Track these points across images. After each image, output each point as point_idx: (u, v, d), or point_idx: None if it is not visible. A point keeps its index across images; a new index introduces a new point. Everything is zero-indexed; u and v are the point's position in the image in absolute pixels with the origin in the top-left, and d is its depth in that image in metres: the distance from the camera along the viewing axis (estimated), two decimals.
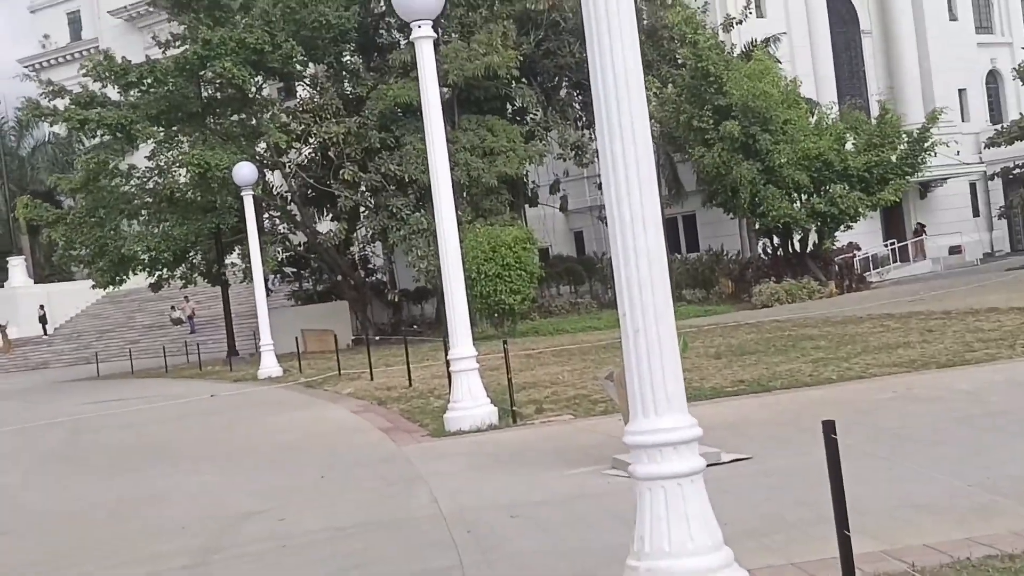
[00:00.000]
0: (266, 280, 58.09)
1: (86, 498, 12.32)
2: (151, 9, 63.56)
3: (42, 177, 65.01)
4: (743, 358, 18.85)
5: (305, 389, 24.56)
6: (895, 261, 49.41)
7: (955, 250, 52.32)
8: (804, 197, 36.82)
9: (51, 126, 53.80)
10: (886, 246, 49.93)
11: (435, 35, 14.39)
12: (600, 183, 37.89)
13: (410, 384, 21.22)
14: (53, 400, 30.91)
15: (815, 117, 37.78)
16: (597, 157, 36.99)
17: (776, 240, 38.97)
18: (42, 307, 66.66)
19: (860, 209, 35.51)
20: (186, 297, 58.74)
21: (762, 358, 18.53)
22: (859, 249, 43.38)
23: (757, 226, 38.65)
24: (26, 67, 77.60)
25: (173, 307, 60.70)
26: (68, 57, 79.61)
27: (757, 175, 35.52)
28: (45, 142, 74.18)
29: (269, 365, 29.88)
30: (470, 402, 14.08)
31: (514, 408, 14.51)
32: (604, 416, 13.76)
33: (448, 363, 14.45)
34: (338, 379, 25.44)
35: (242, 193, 30.68)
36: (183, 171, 35.95)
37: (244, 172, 30.12)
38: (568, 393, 17.05)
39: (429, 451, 12.78)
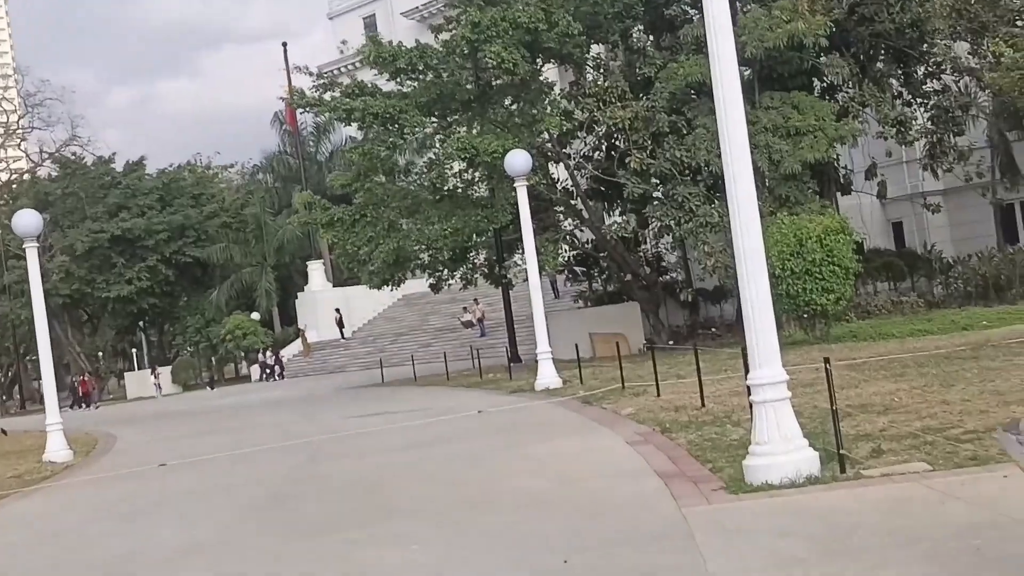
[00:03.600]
0: (553, 281, 56.03)
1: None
2: (443, 8, 62.43)
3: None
4: None
5: (581, 406, 21.12)
6: None
7: None
8: None
9: (316, 116, 52.68)
10: None
11: None
12: (925, 164, 32.98)
13: (703, 404, 17.39)
14: (324, 411, 28.99)
15: None
16: (923, 134, 32.02)
17: None
18: (338, 310, 66.84)
19: None
20: (475, 300, 57.02)
21: None
22: None
23: None
24: (324, 73, 78.55)
25: (465, 308, 59.23)
26: (361, 63, 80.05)
27: None
28: (342, 147, 74.71)
29: (547, 375, 26.72)
30: (780, 444, 10.15)
31: (841, 452, 10.46)
32: (976, 469, 9.55)
33: (748, 388, 10.55)
34: (620, 394, 21.89)
35: (516, 184, 27.66)
36: (454, 164, 33.34)
37: (517, 161, 27.10)
38: (911, 424, 12.77)
39: (724, 520, 8.96)
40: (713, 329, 39.47)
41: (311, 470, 16.26)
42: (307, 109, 37.66)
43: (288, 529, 11.37)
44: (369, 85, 34.68)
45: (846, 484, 9.74)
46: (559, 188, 39.15)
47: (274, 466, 17.35)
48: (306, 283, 72.20)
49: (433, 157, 33.63)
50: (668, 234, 34.05)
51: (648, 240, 38.71)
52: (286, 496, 13.77)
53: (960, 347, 22.07)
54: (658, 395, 20.14)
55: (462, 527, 10.12)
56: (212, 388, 65.34)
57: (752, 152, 30.94)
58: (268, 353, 64.71)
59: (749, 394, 10.51)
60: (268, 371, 63.72)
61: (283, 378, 61.93)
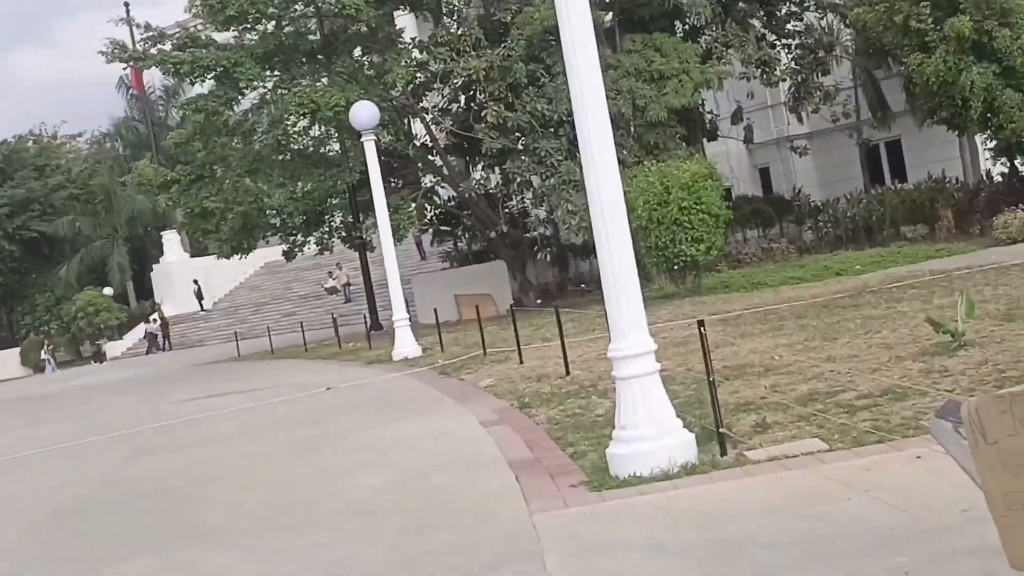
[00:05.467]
0: (419, 242, 53.96)
1: None
2: None
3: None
4: None
5: (438, 378, 19.33)
6: None
7: None
8: None
9: (164, 78, 49.41)
10: None
11: None
12: (791, 107, 31.79)
13: (567, 372, 15.74)
14: (166, 393, 26.62)
15: None
16: (788, 75, 30.85)
17: (1016, 160, 31.80)
18: (196, 282, 63.73)
19: None
20: (338, 264, 54.78)
21: None
22: None
23: (992, 144, 31.55)
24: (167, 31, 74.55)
25: (330, 274, 56.99)
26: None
27: (993, 80, 28.52)
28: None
29: (405, 344, 24.84)
30: (649, 428, 8.47)
31: (721, 430, 8.85)
32: (880, 448, 8.04)
33: (612, 364, 8.85)
34: (481, 362, 20.17)
35: (363, 139, 25.54)
36: (298, 120, 31.01)
37: (362, 114, 25.00)
38: (797, 388, 11.27)
39: (582, 531, 7.23)
40: (583, 285, 38.02)
41: (126, 470, 14.14)
42: (131, 64, 34.79)
43: (72, 555, 9.35)
44: (203, 37, 32.06)
45: (729, 472, 8.11)
46: (417, 144, 37.11)
47: (88, 465, 15.20)
48: (162, 255, 68.80)
49: (272, 111, 31.19)
50: (528, 190, 32.36)
51: (513, 196, 37.01)
52: (85, 508, 11.68)
53: (838, 295, 20.88)
54: (521, 362, 18.49)
55: (270, 552, 8.23)
56: (53, 367, 61.48)
57: (616, 98, 29.48)
58: (154, 319, 60.77)
59: (613, 371, 8.80)
60: (153, 340, 60.05)
61: (171, 348, 58.70)
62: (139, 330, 62.57)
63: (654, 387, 8.62)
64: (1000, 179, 33.43)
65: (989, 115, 29.18)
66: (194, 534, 9.29)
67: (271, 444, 14.22)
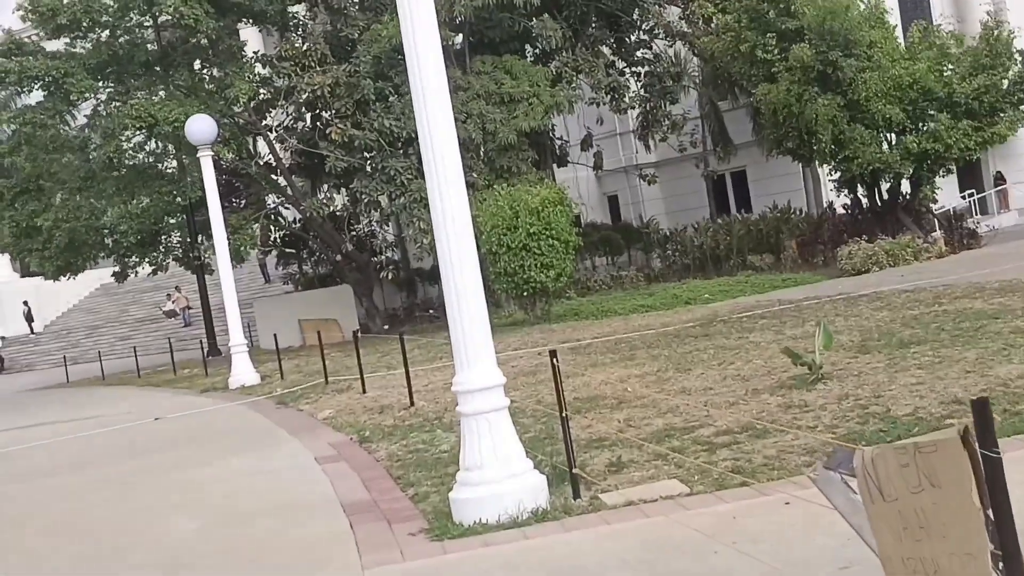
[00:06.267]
0: (263, 264, 52.38)
1: None
2: None
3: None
4: (911, 354, 12.37)
5: (274, 408, 18.23)
6: (976, 214, 42.53)
7: None
8: (893, 137, 30.10)
9: None
10: (963, 198, 43.02)
11: None
12: (639, 134, 31.60)
13: (411, 403, 14.90)
14: None
15: (904, 38, 31.14)
16: (637, 103, 30.70)
17: (859, 192, 32.24)
18: (26, 303, 60.63)
19: (970, 145, 28.66)
20: (177, 287, 52.85)
21: (943, 352, 12.07)
22: (934, 203, 36.53)
23: (836, 175, 31.92)
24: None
25: (168, 296, 54.89)
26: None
27: (838, 112, 28.80)
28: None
29: (242, 371, 23.62)
30: (496, 469, 7.70)
31: (574, 471, 8.14)
32: (744, 491, 7.44)
33: (457, 398, 8.05)
34: (323, 390, 19.16)
35: (199, 155, 24.24)
36: (132, 135, 29.47)
37: (198, 128, 23.73)
38: (652, 423, 10.68)
39: None
40: (431, 311, 37.19)
41: None
42: None
43: None
44: (30, 44, 30.25)
45: (583, 520, 7.40)
46: (261, 163, 35.82)
47: None
48: None
49: (104, 125, 29.56)
50: (376, 210, 31.43)
51: (360, 218, 36.02)
52: None
53: (688, 323, 20.54)
54: (364, 391, 17.55)
55: None
56: None
57: (466, 121, 28.84)
58: None
59: (458, 405, 8.01)
60: None
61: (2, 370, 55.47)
62: None
63: (502, 424, 7.86)
64: (844, 210, 33.89)
65: (835, 147, 29.47)
66: None
67: (85, 480, 12.98)
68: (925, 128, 29.25)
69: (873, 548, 4.37)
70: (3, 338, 57.47)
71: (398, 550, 7.33)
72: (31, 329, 60.94)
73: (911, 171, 29.91)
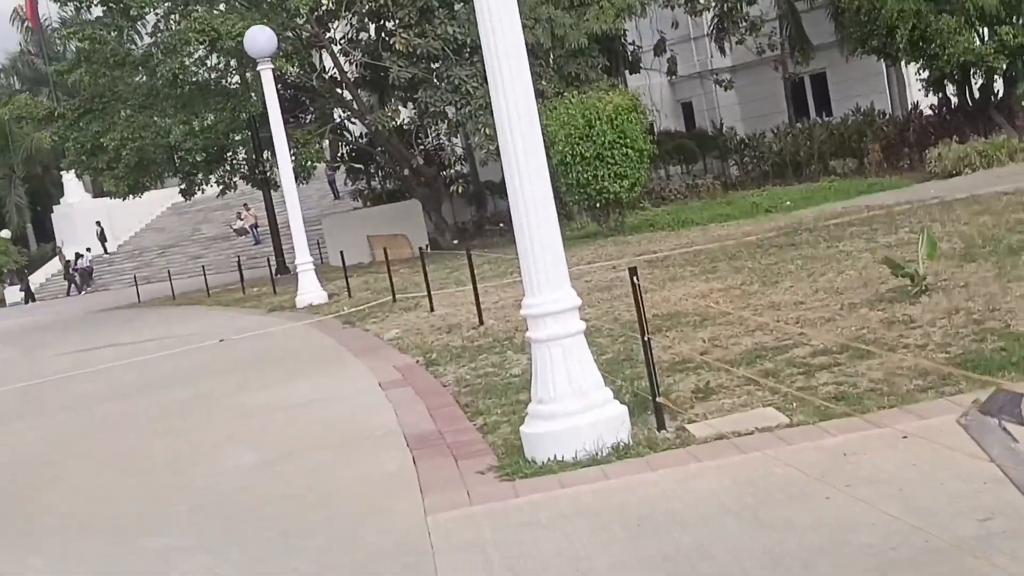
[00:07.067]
0: (332, 180, 51.83)
1: None
2: None
3: None
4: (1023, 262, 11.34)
5: (341, 328, 17.63)
6: None
7: None
8: (986, 31, 28.38)
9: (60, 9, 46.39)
10: None
11: None
12: (715, 37, 30.17)
13: (480, 322, 14.19)
14: (51, 344, 24.62)
15: None
16: (713, 4, 29.29)
17: (948, 91, 30.62)
18: (99, 223, 60.87)
19: None
20: (246, 204, 52.65)
21: None
22: None
23: (924, 74, 30.31)
24: None
25: (238, 215, 54.80)
26: None
27: (923, 4, 27.16)
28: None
29: (309, 289, 23.07)
30: (573, 401, 6.93)
31: (657, 399, 7.35)
32: (851, 422, 6.58)
33: (526, 323, 7.26)
34: (390, 309, 18.51)
35: (259, 68, 23.48)
36: (194, 50, 28.72)
37: (259, 39, 22.92)
38: (740, 342, 9.82)
39: (488, 544, 5.65)
40: (501, 224, 36.38)
41: None
42: None
43: None
44: None
45: (670, 456, 6.61)
46: (326, 77, 35.00)
47: None
48: (63, 195, 65.63)
49: (169, 42, 28.86)
50: (443, 121, 30.54)
51: (428, 131, 35.14)
52: None
53: (771, 233, 19.52)
54: (432, 310, 16.86)
55: (95, 561, 6.59)
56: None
57: (534, 27, 27.72)
58: (82, 257, 57.28)
59: (528, 331, 7.23)
60: (76, 279, 56.88)
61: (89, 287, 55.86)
62: (48, 270, 59.88)
63: (578, 350, 7.06)
64: (931, 111, 32.30)
65: (921, 43, 27.88)
66: (18, 533, 7.60)
67: (143, 409, 12.49)
68: (1021, 20, 27.51)
69: None
70: (88, 250, 57.65)
71: (465, 491, 6.61)
72: (104, 249, 61.29)
73: (1005, 66, 28.25)
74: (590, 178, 25.21)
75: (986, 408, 3.66)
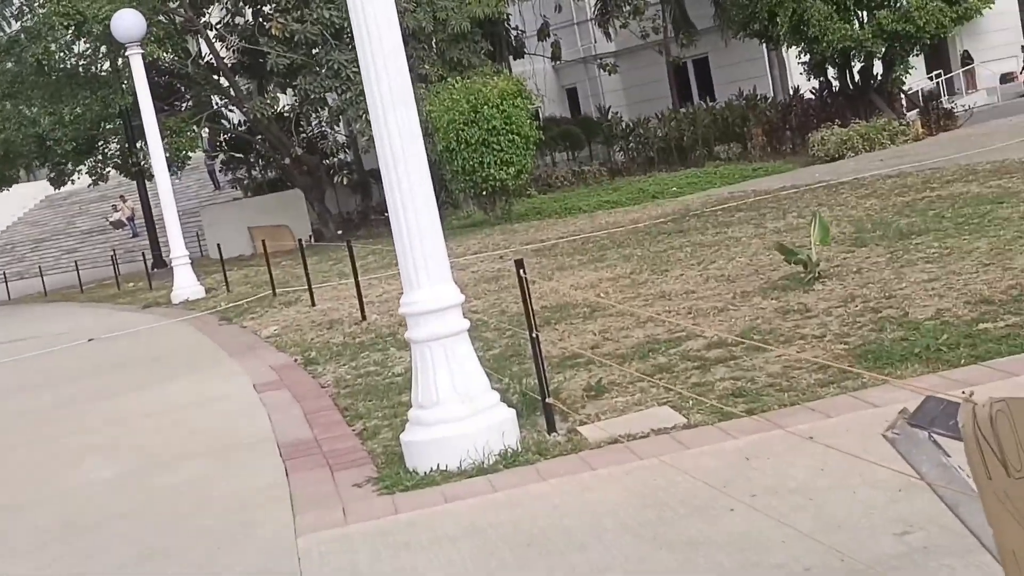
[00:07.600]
0: (212, 170, 50.40)
1: None
2: None
3: None
4: (914, 245, 11.17)
5: (218, 325, 16.88)
6: (944, 95, 41.28)
7: (1007, 78, 44.22)
8: (865, 14, 28.56)
9: None
10: (930, 79, 41.75)
11: None
12: (598, 22, 29.88)
13: (363, 317, 13.61)
14: None
15: None
16: None
17: (831, 74, 30.79)
18: None
19: (944, 22, 27.25)
20: (122, 196, 50.93)
21: (949, 242, 10.87)
22: (903, 85, 35.18)
23: (805, 59, 30.47)
24: None
25: (114, 207, 53.00)
26: None
27: None
28: None
29: (184, 285, 22.16)
30: (457, 406, 6.43)
31: (547, 400, 6.90)
32: (752, 422, 6.21)
33: (405, 321, 6.73)
34: (270, 304, 17.80)
35: (127, 53, 22.47)
36: (57, 33, 27.44)
37: (126, 23, 21.89)
38: (632, 335, 9.44)
39: (361, 568, 5.15)
40: (385, 214, 35.67)
41: None
42: None
43: None
44: None
45: (562, 463, 6.16)
46: (202, 63, 33.87)
47: None
48: None
49: (34, 27, 27.49)
50: (324, 108, 29.75)
51: (309, 119, 34.22)
52: None
53: (659, 219, 19.27)
54: (312, 304, 16.22)
55: None
56: None
57: (415, 10, 27.11)
58: None
59: (408, 331, 6.70)
60: None
61: None
62: None
63: (462, 350, 6.56)
64: (812, 95, 32.51)
65: (801, 27, 27.97)
66: None
67: (0, 416, 11.65)
68: (895, 6, 27.74)
69: (976, 533, 3.15)
70: None
71: (340, 508, 6.07)
72: None
73: (883, 51, 28.51)
74: (476, 165, 24.72)
75: (916, 420, 3.25)
